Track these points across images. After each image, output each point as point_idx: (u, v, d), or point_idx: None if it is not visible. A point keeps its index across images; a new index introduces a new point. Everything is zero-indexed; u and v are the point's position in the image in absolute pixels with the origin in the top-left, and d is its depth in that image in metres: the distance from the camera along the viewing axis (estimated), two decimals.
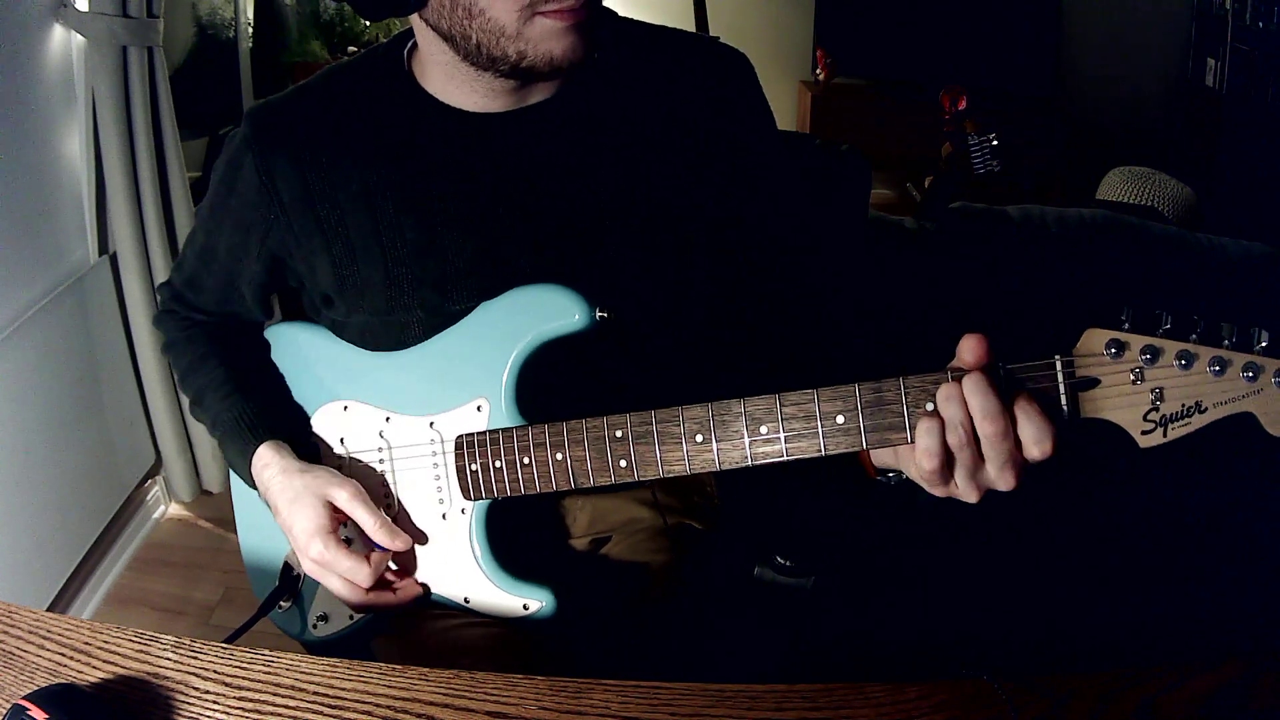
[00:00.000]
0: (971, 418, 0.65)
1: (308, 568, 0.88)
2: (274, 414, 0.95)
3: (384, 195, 0.86)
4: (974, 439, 0.66)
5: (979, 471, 0.68)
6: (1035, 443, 0.65)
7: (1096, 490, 1.40)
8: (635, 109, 0.88)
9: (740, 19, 3.79)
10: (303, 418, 0.97)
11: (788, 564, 1.13)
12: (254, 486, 0.94)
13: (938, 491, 0.71)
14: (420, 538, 0.89)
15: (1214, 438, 0.63)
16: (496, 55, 0.78)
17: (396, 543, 0.87)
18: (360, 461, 0.93)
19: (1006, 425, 0.65)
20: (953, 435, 0.66)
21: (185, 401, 2.15)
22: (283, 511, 0.88)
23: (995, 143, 2.56)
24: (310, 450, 0.94)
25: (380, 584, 0.88)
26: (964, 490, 0.69)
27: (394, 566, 0.90)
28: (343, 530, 0.88)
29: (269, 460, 0.91)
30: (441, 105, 0.87)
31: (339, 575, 0.86)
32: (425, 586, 0.89)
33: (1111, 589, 1.34)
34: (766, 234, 0.96)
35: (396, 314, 0.89)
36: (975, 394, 0.65)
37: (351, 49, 3.40)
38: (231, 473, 1.05)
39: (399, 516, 0.90)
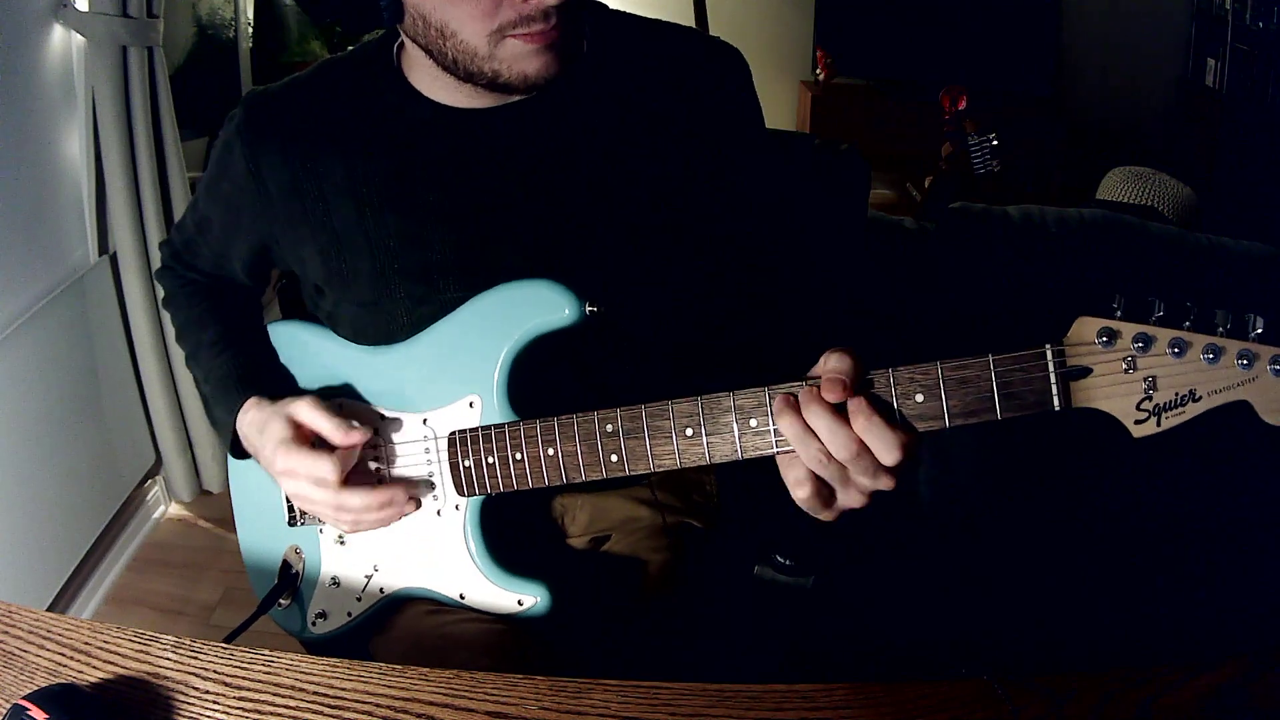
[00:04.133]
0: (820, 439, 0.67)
1: (288, 489, 0.89)
2: (262, 372, 0.97)
3: (369, 187, 0.87)
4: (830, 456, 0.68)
5: (848, 486, 0.70)
6: (885, 454, 0.66)
7: (1096, 490, 1.40)
8: (623, 102, 0.88)
9: (740, 19, 3.80)
10: (290, 380, 0.98)
11: (788, 563, 1.13)
12: (238, 450, 0.96)
13: (824, 516, 0.72)
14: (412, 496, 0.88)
15: (1214, 438, 0.62)
16: (472, 71, 0.79)
17: (353, 435, 0.86)
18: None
19: (859, 447, 0.66)
20: (811, 461, 0.68)
21: (185, 401, 2.15)
22: (257, 443, 0.90)
23: (995, 143, 2.56)
24: None
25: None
26: (846, 500, 0.71)
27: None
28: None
29: (249, 407, 0.93)
30: (427, 100, 0.87)
31: (309, 479, 0.85)
32: (416, 500, 0.88)
33: (1111, 589, 1.34)
34: (760, 231, 0.96)
35: (384, 304, 0.89)
36: (817, 418, 0.67)
37: (350, 48, 3.40)
38: (231, 472, 1.05)
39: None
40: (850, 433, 0.67)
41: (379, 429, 0.90)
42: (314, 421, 0.87)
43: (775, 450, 0.72)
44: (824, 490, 0.70)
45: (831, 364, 0.68)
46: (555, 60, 0.78)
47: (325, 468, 0.84)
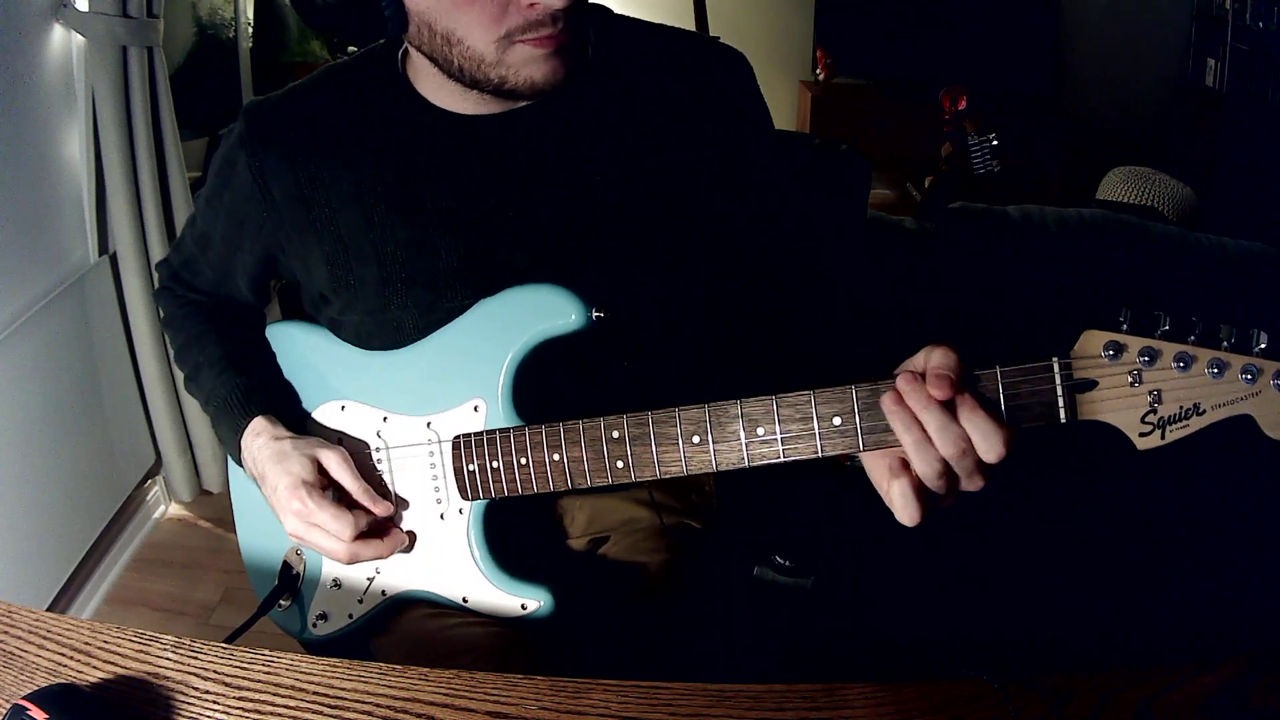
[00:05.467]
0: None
1: (289, 526, 0.88)
2: (267, 390, 0.97)
3: (375, 195, 0.87)
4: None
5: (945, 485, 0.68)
6: (988, 450, 0.65)
7: (1097, 490, 1.40)
8: (629, 107, 0.88)
9: (740, 19, 3.79)
10: (294, 398, 0.97)
11: (788, 564, 1.13)
12: (241, 464, 0.95)
13: (912, 512, 0.70)
14: (411, 536, 0.89)
15: (1214, 438, 0.63)
16: (479, 78, 0.79)
17: (378, 508, 0.87)
18: (358, 461, 0.92)
19: (965, 444, 0.65)
20: (916, 456, 0.67)
21: (185, 401, 2.15)
22: (270, 474, 0.89)
23: (995, 143, 2.55)
24: (300, 430, 0.95)
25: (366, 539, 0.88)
26: (938, 501, 0.70)
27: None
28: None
29: (260, 430, 0.92)
30: (433, 107, 0.87)
31: (321, 527, 0.85)
32: (411, 533, 0.89)
33: (1112, 589, 1.34)
34: (764, 234, 0.96)
35: (390, 312, 0.89)
36: (926, 413, 0.66)
37: (351, 49, 3.40)
38: (231, 473, 1.05)
39: (396, 516, 0.90)
40: (959, 429, 0.65)
41: (380, 430, 0.90)
42: (342, 478, 0.87)
43: (782, 459, 0.72)
44: (920, 490, 0.68)
45: (936, 359, 0.67)
46: (562, 65, 0.78)
47: (344, 525, 0.85)
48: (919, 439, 0.66)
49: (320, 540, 0.86)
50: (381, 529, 0.89)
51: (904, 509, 0.68)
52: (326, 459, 0.88)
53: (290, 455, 0.88)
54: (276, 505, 0.89)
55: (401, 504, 0.90)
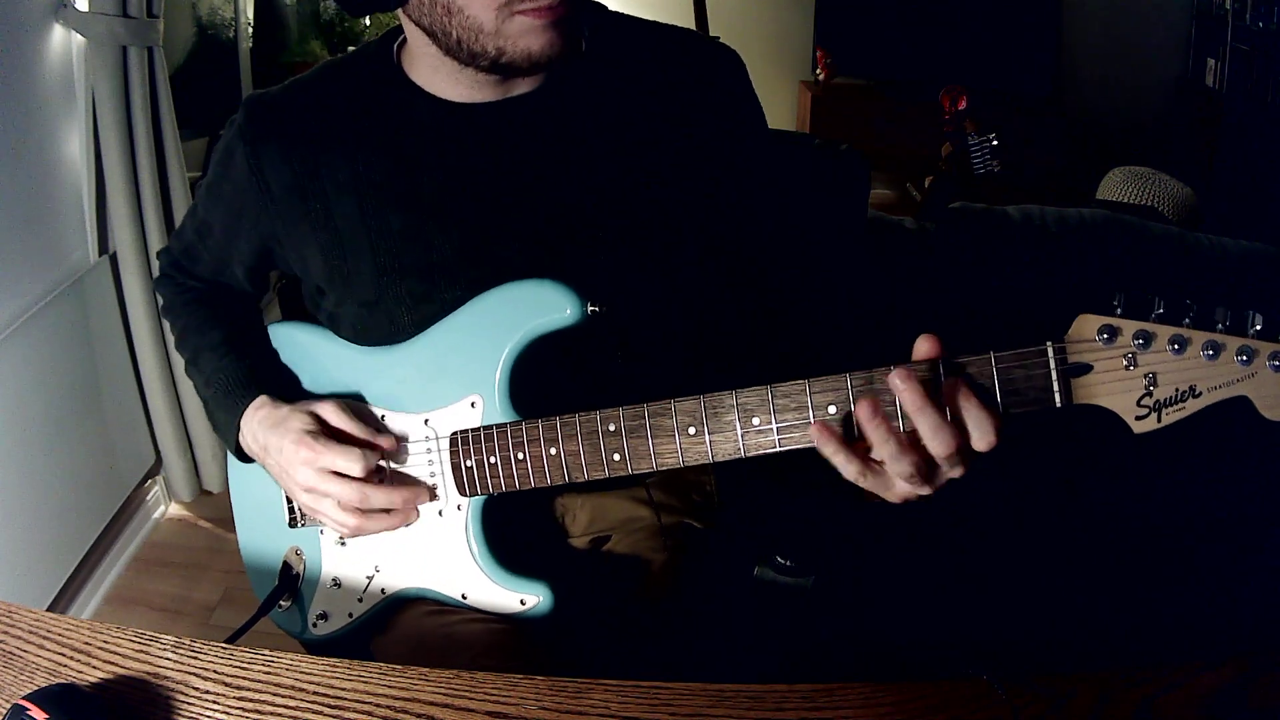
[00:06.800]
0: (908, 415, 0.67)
1: (301, 479, 0.86)
2: (266, 373, 0.97)
3: (370, 185, 0.87)
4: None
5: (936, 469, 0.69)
6: (980, 439, 0.66)
7: (1096, 489, 1.40)
8: (622, 102, 0.88)
9: (740, 19, 3.80)
10: (294, 380, 0.98)
11: (788, 564, 1.13)
12: (240, 454, 0.96)
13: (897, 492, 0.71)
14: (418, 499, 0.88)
15: (1213, 437, 0.63)
16: (476, 51, 0.79)
17: (382, 438, 0.87)
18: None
19: (960, 442, 0.66)
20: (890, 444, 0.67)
21: (185, 401, 2.15)
22: (271, 439, 0.89)
23: (995, 143, 2.56)
24: None
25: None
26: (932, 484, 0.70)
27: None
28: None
29: (259, 405, 0.92)
30: (427, 95, 0.87)
31: (331, 470, 0.85)
32: (431, 489, 0.88)
33: (1111, 589, 1.34)
34: (759, 231, 0.96)
35: (385, 304, 0.89)
36: (904, 392, 0.66)
37: (351, 49, 3.40)
38: (230, 473, 1.05)
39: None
40: (952, 429, 0.66)
41: (378, 428, 0.90)
42: (341, 423, 0.87)
43: (778, 448, 0.72)
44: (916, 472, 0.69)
45: (920, 348, 0.68)
46: (559, 38, 0.78)
47: (353, 459, 0.84)
48: (895, 450, 0.67)
49: (329, 485, 0.85)
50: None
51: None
52: (323, 411, 0.88)
53: (289, 416, 0.88)
54: (284, 465, 0.88)
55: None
